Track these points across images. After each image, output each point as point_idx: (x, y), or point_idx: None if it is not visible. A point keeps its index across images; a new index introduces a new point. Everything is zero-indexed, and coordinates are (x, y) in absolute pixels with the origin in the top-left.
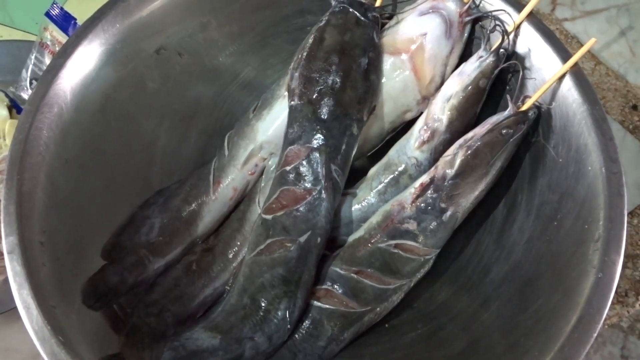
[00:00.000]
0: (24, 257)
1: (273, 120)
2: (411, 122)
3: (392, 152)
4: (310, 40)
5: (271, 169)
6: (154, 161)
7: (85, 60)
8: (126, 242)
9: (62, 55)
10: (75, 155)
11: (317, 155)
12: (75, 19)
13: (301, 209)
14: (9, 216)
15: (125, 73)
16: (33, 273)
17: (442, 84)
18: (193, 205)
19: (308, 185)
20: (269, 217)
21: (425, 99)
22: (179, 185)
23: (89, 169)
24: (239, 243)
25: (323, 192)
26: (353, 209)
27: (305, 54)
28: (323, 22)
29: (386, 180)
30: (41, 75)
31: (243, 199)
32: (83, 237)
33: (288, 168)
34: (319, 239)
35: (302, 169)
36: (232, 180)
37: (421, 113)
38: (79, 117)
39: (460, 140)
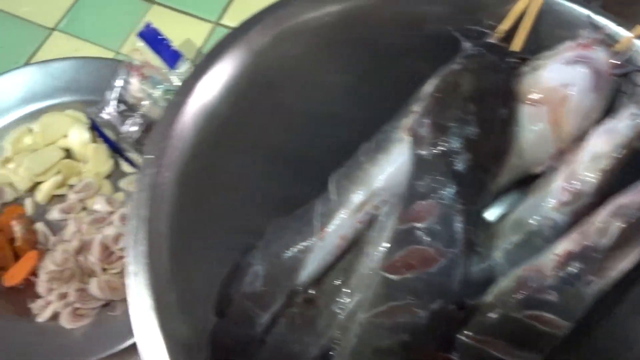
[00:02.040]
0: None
1: (390, 166)
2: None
3: (523, 210)
4: (443, 85)
5: (384, 218)
6: (254, 200)
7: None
8: (233, 294)
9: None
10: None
11: (453, 213)
12: (168, 41)
13: (434, 272)
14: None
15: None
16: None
17: (581, 138)
18: (296, 251)
19: (442, 246)
20: (393, 277)
21: (560, 154)
22: (279, 228)
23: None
24: (344, 297)
25: (459, 255)
26: (476, 268)
27: (437, 99)
28: (457, 65)
29: (516, 240)
30: (165, 111)
31: (350, 248)
32: (195, 290)
33: (418, 225)
34: (451, 306)
35: (435, 227)
36: (339, 228)
37: (550, 167)
38: (195, 155)
39: (612, 207)
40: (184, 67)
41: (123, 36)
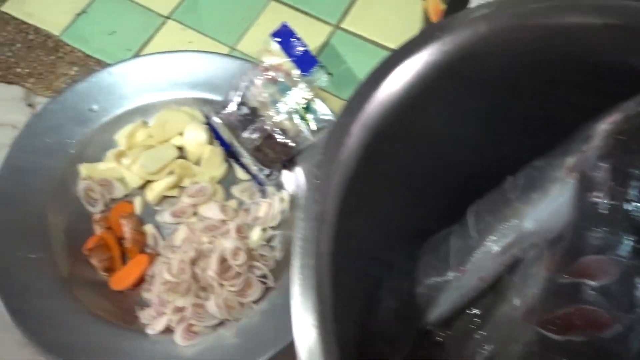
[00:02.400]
0: None
1: (546, 208)
2: None
3: None
4: (627, 126)
5: (530, 263)
6: (389, 229)
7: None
8: (368, 332)
9: (351, 112)
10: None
11: (634, 274)
12: (304, 44)
13: (606, 337)
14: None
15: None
16: None
17: None
18: (428, 289)
19: (617, 310)
20: (553, 336)
21: None
22: (411, 261)
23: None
24: (478, 343)
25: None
26: None
27: (619, 142)
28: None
29: None
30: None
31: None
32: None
33: (589, 283)
34: None
35: (611, 287)
36: (479, 268)
37: None
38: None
39: None
40: (319, 75)
41: (239, 32)
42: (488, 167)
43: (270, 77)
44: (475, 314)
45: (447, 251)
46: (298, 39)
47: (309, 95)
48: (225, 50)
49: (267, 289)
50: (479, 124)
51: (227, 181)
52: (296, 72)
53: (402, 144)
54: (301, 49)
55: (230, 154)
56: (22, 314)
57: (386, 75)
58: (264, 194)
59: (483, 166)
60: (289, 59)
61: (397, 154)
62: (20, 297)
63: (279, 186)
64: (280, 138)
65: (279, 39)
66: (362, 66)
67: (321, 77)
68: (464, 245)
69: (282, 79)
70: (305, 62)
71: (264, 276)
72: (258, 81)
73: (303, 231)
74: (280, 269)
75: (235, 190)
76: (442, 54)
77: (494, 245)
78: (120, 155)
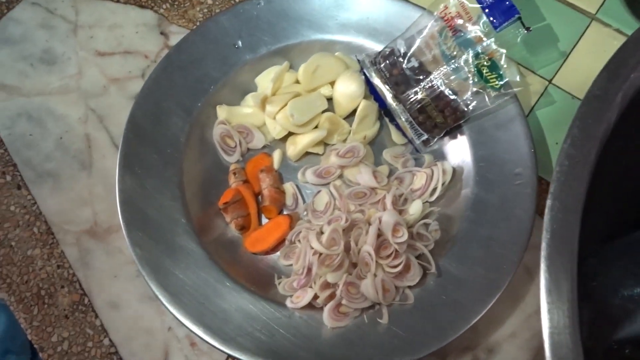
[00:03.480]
0: None
1: None
2: None
3: None
4: None
5: None
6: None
7: None
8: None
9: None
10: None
11: None
12: None
13: None
14: None
15: None
16: None
17: None
18: (626, 299)
19: None
20: None
21: None
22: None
23: None
24: None
25: None
26: None
27: None
28: None
29: None
30: None
31: None
32: None
33: None
34: None
35: None
36: None
37: None
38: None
39: None
40: (513, 30)
41: None
42: None
43: (449, 25)
44: None
45: None
46: None
47: (496, 52)
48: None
49: (424, 275)
50: None
51: (377, 144)
52: (484, 22)
53: None
54: None
55: (386, 113)
56: (152, 267)
57: None
58: (417, 162)
59: None
60: (478, 5)
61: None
62: (149, 251)
63: (437, 156)
64: (452, 100)
65: None
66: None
67: (517, 32)
68: None
69: (463, 31)
70: (501, 11)
71: (418, 257)
72: (433, 30)
73: (557, 224)
74: (435, 252)
75: (387, 154)
76: None
77: None
78: (264, 101)
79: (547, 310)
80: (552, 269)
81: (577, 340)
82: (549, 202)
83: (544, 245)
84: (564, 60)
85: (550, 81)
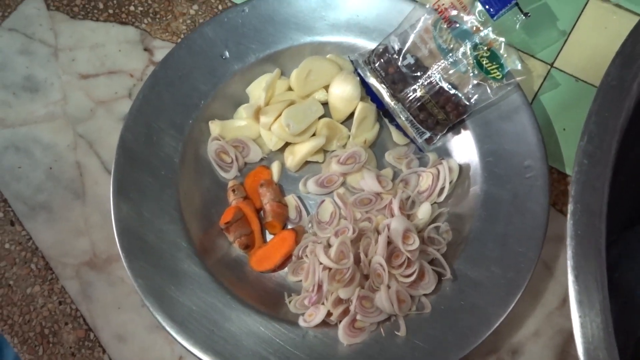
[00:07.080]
0: None
1: None
2: None
3: None
4: None
5: None
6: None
7: None
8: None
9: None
10: None
11: None
12: None
13: None
14: None
15: None
16: None
17: None
18: None
19: None
20: None
21: None
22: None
23: None
24: None
25: None
26: None
27: None
28: None
29: None
30: None
31: None
32: None
33: None
34: None
35: None
36: None
37: None
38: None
39: None
40: (511, 17)
41: None
42: None
43: (444, 17)
44: None
45: None
46: None
47: (495, 41)
48: None
49: (440, 280)
50: None
51: (377, 146)
52: (480, 10)
53: None
54: None
55: (385, 113)
56: (156, 296)
57: None
58: (421, 162)
59: None
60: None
61: None
62: (152, 280)
63: (441, 153)
64: (453, 95)
65: None
66: (556, 9)
67: (515, 18)
68: None
69: (459, 22)
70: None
71: (431, 262)
72: (427, 23)
73: (582, 229)
74: (448, 255)
75: (390, 156)
76: None
77: None
78: (258, 112)
79: (579, 325)
80: (580, 278)
81: (614, 354)
82: (570, 207)
83: (570, 253)
84: (565, 41)
85: (552, 65)
